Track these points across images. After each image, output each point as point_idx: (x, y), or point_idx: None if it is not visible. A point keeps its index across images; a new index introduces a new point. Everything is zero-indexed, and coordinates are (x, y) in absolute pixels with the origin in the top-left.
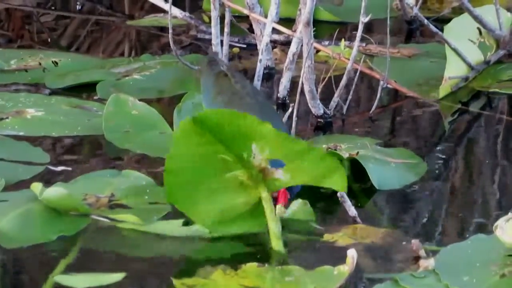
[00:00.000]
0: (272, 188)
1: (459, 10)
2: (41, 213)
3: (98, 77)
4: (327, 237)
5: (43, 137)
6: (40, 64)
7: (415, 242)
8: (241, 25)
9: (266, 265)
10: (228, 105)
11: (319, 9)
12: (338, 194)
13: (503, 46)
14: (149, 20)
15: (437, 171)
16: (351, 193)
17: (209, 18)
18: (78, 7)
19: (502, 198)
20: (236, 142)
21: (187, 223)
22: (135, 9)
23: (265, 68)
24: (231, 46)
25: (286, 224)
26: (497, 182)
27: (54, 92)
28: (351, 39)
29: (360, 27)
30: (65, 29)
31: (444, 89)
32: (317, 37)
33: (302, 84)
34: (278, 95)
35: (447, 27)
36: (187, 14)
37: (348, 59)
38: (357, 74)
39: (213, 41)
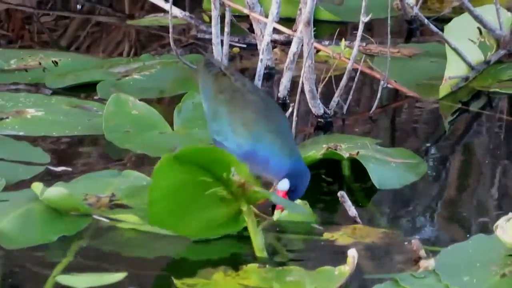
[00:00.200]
0: (253, 200)
1: (459, 10)
2: (41, 213)
3: (98, 77)
4: (327, 236)
5: (43, 137)
6: (40, 64)
7: (415, 242)
8: (241, 24)
9: (267, 265)
10: (231, 102)
11: (319, 9)
12: (339, 194)
13: (503, 46)
14: (149, 20)
15: (437, 171)
16: (351, 193)
17: (209, 17)
18: (78, 7)
19: (502, 198)
20: (214, 166)
21: None
22: (135, 8)
23: (265, 68)
24: (231, 46)
25: (286, 224)
26: (497, 182)
27: (54, 92)
28: (352, 38)
29: (361, 27)
30: (65, 29)
31: (444, 89)
32: (318, 36)
33: (303, 84)
34: (279, 95)
35: (448, 27)
36: (187, 13)
37: (349, 59)
38: (358, 74)
39: (213, 41)
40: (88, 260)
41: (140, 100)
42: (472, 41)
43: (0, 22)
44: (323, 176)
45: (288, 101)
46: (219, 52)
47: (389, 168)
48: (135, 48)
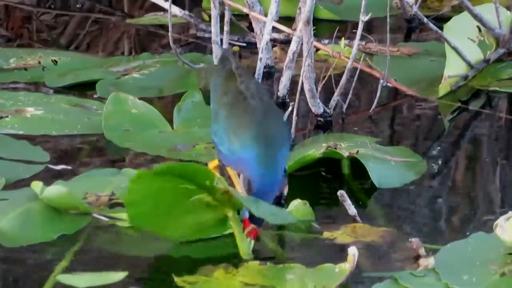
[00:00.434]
0: (239, 205)
1: (458, 9)
2: (41, 212)
3: (97, 75)
4: (326, 235)
5: (42, 136)
6: (39, 63)
7: (415, 240)
8: (240, 23)
9: (268, 263)
10: (233, 107)
11: (319, 8)
12: (338, 193)
13: (502, 44)
14: (149, 18)
15: (437, 170)
16: (351, 192)
17: (209, 16)
18: (77, 5)
19: (502, 196)
20: (195, 176)
21: None
22: (134, 7)
23: (265, 67)
24: (231, 45)
25: (285, 224)
26: (496, 181)
27: (53, 91)
28: (351, 37)
29: (360, 26)
30: (64, 28)
31: (443, 88)
32: (317, 35)
33: (302, 83)
34: (278, 94)
35: (447, 26)
36: (187, 12)
37: (348, 58)
38: (357, 72)
39: (212, 40)
40: (88, 259)
41: (140, 99)
42: (471, 40)
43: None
44: (323, 173)
45: (288, 100)
46: (219, 51)
47: (389, 167)
48: (134, 47)
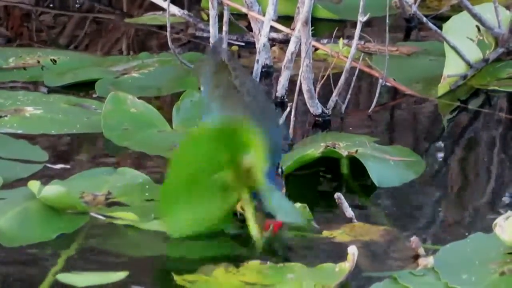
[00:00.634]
0: (258, 186)
1: (458, 8)
2: (39, 211)
3: (96, 75)
4: (326, 234)
5: (41, 135)
6: (38, 62)
7: (414, 240)
8: (239, 23)
9: (268, 262)
10: (224, 99)
11: (317, 7)
12: (335, 196)
13: (502, 44)
14: (148, 18)
15: (436, 169)
16: (350, 191)
17: (208, 16)
18: (76, 5)
19: (501, 196)
20: (238, 147)
21: None
22: (133, 7)
23: (263, 67)
24: (229, 45)
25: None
26: (496, 180)
27: (52, 90)
28: (350, 37)
29: (359, 26)
30: (63, 27)
31: (443, 87)
32: (316, 35)
33: (301, 83)
34: (276, 94)
35: (446, 25)
36: (186, 12)
37: (347, 58)
38: (356, 72)
39: (211, 40)
40: (87, 258)
41: (139, 98)
42: (470, 39)
43: None
44: (322, 173)
45: (286, 100)
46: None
47: (388, 166)
48: (133, 46)
